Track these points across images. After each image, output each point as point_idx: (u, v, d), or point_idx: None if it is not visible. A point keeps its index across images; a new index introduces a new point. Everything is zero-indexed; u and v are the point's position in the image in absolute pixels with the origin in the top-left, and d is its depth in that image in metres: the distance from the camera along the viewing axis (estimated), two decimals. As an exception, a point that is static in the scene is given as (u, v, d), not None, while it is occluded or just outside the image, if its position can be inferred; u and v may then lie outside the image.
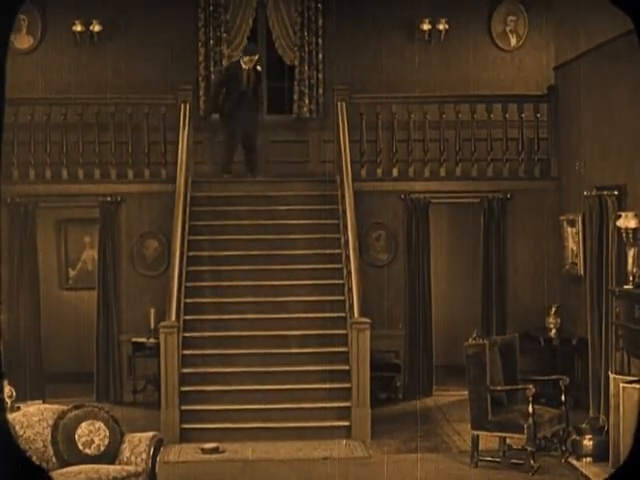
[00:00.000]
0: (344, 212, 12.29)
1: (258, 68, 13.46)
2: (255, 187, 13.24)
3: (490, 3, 14.45)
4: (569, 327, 12.57)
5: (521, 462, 9.79)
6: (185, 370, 11.23)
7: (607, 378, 10.15)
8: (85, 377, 13.03)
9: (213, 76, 14.03)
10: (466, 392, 10.15)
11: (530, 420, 9.53)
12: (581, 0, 12.18)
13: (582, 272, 12.07)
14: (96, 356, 13.02)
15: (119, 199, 13.14)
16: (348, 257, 11.84)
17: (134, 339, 12.76)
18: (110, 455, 8.32)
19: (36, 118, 13.15)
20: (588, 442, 9.95)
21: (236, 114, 13.29)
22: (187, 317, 11.65)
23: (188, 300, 11.82)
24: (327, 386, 11.15)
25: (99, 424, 8.39)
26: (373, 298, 12.51)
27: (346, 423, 10.93)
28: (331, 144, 13.70)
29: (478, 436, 9.90)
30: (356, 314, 11.10)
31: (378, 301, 12.87)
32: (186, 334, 11.46)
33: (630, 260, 10.19)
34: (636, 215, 10.29)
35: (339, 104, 13.17)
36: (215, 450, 10.45)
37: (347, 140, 12.80)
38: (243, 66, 13.26)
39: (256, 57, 13.31)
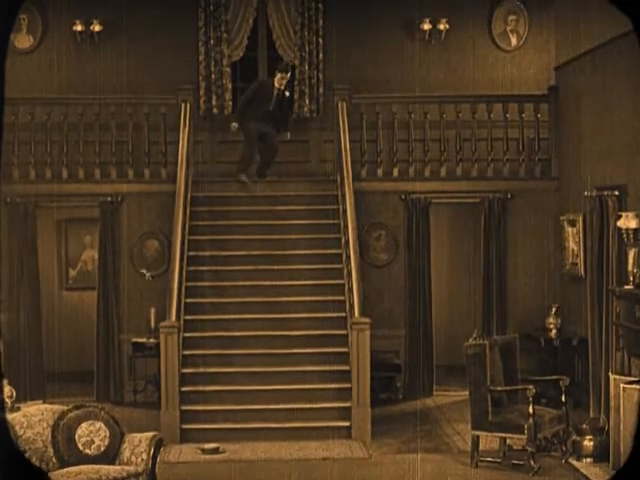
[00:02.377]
0: (344, 212, 12.29)
1: (287, 94, 13.24)
2: (255, 187, 13.23)
3: (490, 3, 14.45)
4: (569, 327, 12.57)
5: (521, 463, 9.78)
6: (185, 370, 11.22)
7: (607, 378, 10.15)
8: (85, 377, 13.04)
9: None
10: (466, 392, 10.14)
11: (530, 420, 9.52)
12: (581, 0, 12.18)
13: (582, 272, 12.07)
14: (96, 356, 13.02)
15: (119, 199, 13.13)
16: (348, 257, 11.83)
17: (134, 339, 12.75)
18: (110, 455, 8.31)
19: (36, 118, 13.16)
20: (588, 443, 9.95)
21: (256, 128, 13.00)
22: (187, 317, 11.65)
23: (188, 300, 11.82)
24: (327, 386, 11.16)
25: (99, 424, 8.38)
26: (373, 298, 12.51)
27: (346, 423, 10.92)
28: (331, 144, 13.70)
29: (478, 436, 9.89)
30: (356, 314, 11.10)
31: (378, 301, 12.87)
32: (186, 334, 11.46)
33: (630, 260, 10.19)
34: (637, 215, 10.29)
35: (339, 104, 13.17)
36: (215, 450, 10.44)
37: (347, 140, 12.80)
38: (275, 85, 13.03)
39: (287, 75, 13.06)
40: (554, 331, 12.47)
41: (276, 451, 10.46)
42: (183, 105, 13.11)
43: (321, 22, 14.18)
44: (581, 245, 12.13)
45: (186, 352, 11.33)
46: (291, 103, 13.73)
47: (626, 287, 10.17)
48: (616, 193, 10.90)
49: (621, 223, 10.37)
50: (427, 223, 13.15)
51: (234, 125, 13.12)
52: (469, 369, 9.89)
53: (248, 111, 13.06)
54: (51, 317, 13.64)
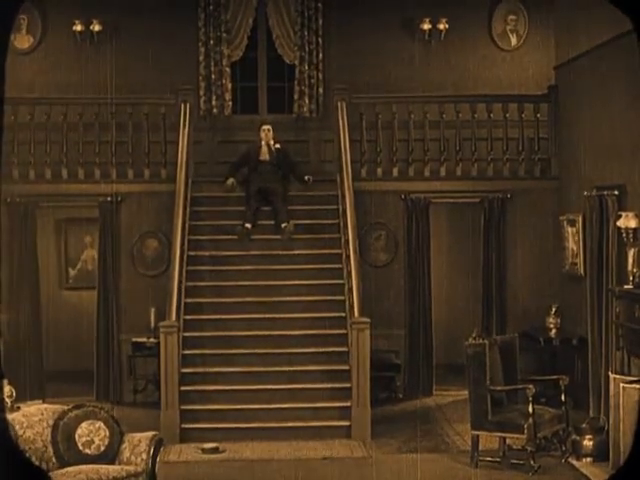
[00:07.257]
0: (344, 212, 12.29)
1: (277, 146, 13.04)
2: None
3: (490, 2, 14.47)
4: (569, 327, 12.57)
5: (521, 462, 9.78)
6: (185, 370, 11.22)
7: (607, 378, 10.15)
8: (85, 377, 13.03)
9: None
10: (466, 392, 10.15)
11: (530, 420, 9.52)
12: (581, 0, 12.17)
13: (582, 272, 12.08)
14: (96, 356, 13.02)
15: (119, 199, 13.13)
16: (348, 257, 11.83)
17: (134, 339, 12.76)
18: (110, 455, 8.32)
19: (36, 118, 13.15)
20: (588, 442, 9.95)
21: (252, 179, 12.91)
22: (187, 317, 11.66)
23: (188, 300, 11.82)
24: (327, 386, 11.16)
25: (99, 424, 8.39)
26: (373, 298, 12.49)
27: (346, 423, 10.93)
28: (331, 144, 13.70)
29: (478, 436, 9.89)
30: (356, 314, 11.10)
31: (378, 301, 12.86)
32: (186, 334, 11.46)
33: (630, 260, 10.20)
34: (636, 215, 10.30)
35: (339, 104, 13.16)
36: (215, 450, 10.45)
37: (347, 140, 12.80)
38: (263, 142, 12.92)
39: (266, 127, 12.97)
40: (554, 331, 12.47)
41: (276, 451, 10.47)
42: (183, 105, 13.11)
43: (321, 22, 14.19)
44: (581, 245, 12.13)
45: (186, 352, 11.34)
46: (288, 156, 13.25)
47: (626, 287, 10.18)
48: (616, 193, 10.91)
49: (621, 223, 10.38)
50: (427, 223, 13.16)
51: (230, 182, 12.93)
52: (469, 369, 9.89)
53: (247, 174, 12.99)
54: (51, 317, 13.65)
